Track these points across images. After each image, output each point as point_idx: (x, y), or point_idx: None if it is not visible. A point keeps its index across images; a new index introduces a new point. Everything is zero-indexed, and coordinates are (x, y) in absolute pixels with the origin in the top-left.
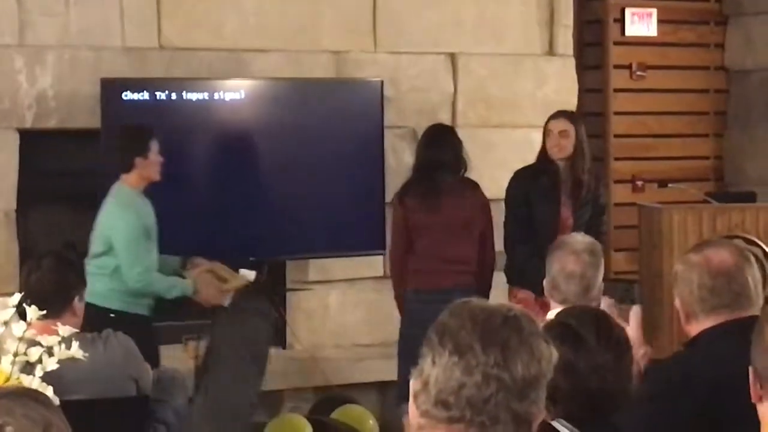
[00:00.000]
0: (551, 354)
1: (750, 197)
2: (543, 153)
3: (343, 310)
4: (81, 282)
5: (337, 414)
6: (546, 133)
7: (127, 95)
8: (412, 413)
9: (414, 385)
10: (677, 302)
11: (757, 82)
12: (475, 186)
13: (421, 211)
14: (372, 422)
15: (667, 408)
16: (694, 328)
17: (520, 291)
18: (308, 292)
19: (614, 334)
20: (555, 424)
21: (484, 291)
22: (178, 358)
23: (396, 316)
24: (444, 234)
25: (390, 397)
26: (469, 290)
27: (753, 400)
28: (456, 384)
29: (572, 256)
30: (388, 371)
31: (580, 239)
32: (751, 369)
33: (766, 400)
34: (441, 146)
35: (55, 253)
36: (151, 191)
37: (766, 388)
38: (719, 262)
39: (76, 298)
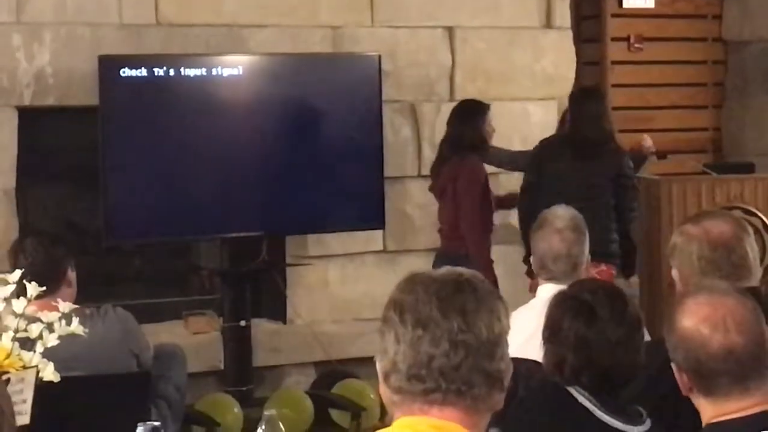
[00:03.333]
0: (507, 309)
1: (748, 168)
2: None
3: (342, 284)
4: (69, 252)
5: (337, 388)
6: None
7: (125, 72)
8: (385, 392)
9: (382, 366)
10: (675, 273)
11: (755, 53)
12: (461, 158)
13: (432, 179)
14: (373, 396)
15: (671, 385)
16: None
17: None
18: (308, 267)
19: (628, 310)
20: (572, 390)
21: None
22: (179, 333)
23: None
24: (438, 200)
25: None
26: (455, 256)
27: (684, 393)
28: (425, 357)
29: (556, 235)
30: None
31: (561, 214)
32: (673, 365)
33: (698, 391)
34: (451, 123)
35: (34, 232)
36: (150, 168)
37: (694, 381)
38: (719, 234)
39: (69, 269)
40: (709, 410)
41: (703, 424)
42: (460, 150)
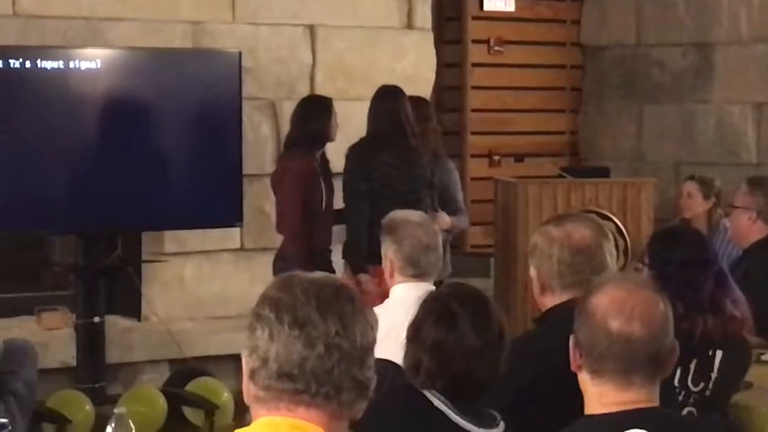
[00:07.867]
0: (377, 321)
1: (604, 172)
2: None
3: (198, 282)
4: None
5: (191, 386)
6: None
7: None
8: (249, 389)
9: (250, 362)
10: (533, 273)
11: (612, 58)
12: (292, 154)
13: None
14: (227, 395)
15: (524, 386)
16: (549, 301)
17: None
18: (164, 263)
19: (491, 322)
20: (427, 394)
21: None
22: (31, 329)
23: (252, 289)
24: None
25: None
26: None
27: (572, 369)
28: (298, 357)
29: (420, 229)
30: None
31: (410, 212)
32: (572, 338)
33: (585, 370)
34: (296, 118)
35: None
36: (4, 160)
37: (585, 358)
38: (580, 239)
39: None
40: (593, 393)
41: (586, 406)
42: (297, 145)
